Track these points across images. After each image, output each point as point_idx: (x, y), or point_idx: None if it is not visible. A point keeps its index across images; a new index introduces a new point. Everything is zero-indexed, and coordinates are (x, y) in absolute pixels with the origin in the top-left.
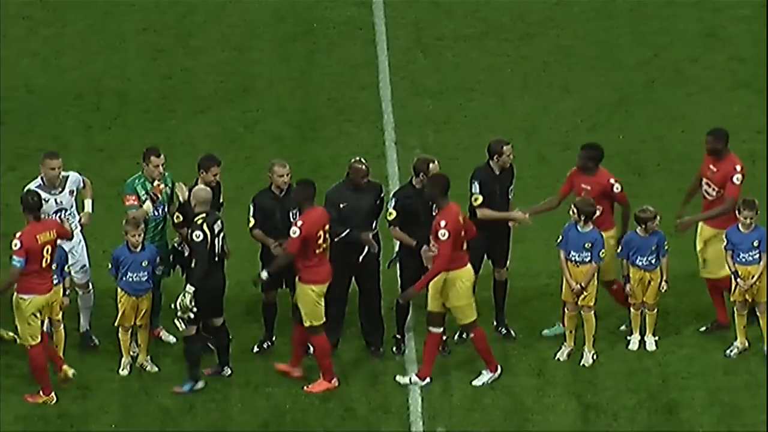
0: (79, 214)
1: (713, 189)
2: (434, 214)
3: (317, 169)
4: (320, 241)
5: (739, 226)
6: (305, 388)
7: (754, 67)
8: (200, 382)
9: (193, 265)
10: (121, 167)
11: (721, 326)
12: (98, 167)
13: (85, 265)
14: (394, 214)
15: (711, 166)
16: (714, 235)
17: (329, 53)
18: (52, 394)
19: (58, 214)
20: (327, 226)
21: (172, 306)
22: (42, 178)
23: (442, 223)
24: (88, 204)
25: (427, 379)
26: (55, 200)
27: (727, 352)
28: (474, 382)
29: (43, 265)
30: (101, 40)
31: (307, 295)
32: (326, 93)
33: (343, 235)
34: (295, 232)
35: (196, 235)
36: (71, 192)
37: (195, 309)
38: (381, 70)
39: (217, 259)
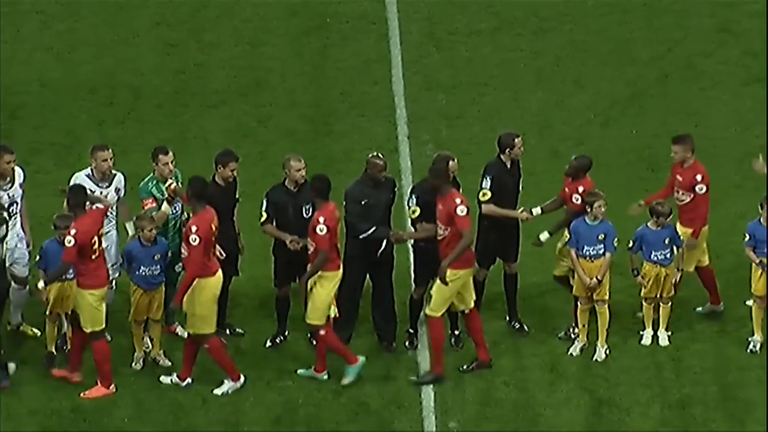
0: (117, 216)
1: (442, 228)
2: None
3: (330, 163)
4: (95, 246)
5: (761, 220)
6: (82, 394)
7: None
8: None
9: None
10: (135, 162)
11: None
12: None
13: (115, 264)
14: (418, 211)
15: (439, 206)
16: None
17: (342, 48)
18: None
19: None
20: (100, 230)
21: None
22: (92, 170)
23: (194, 228)
24: (130, 227)
25: (188, 380)
26: (101, 194)
27: (751, 347)
28: (216, 391)
29: None
30: (114, 34)
31: (86, 300)
32: (339, 88)
33: (370, 232)
34: (70, 241)
35: None
36: (117, 190)
37: None
38: (394, 64)
39: None
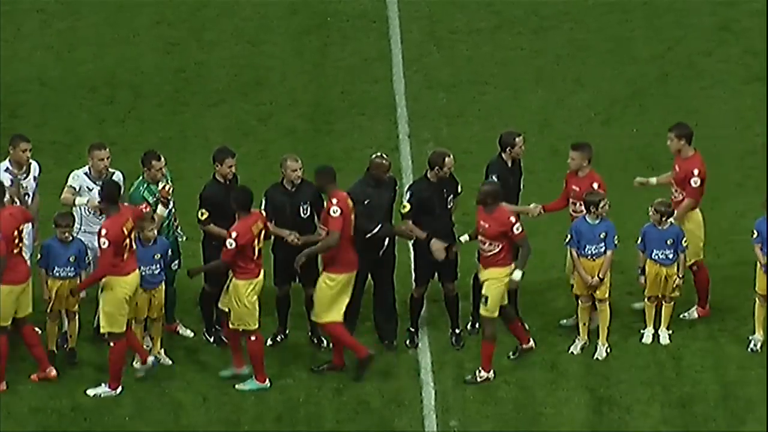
0: None
1: (322, 228)
2: (449, 207)
3: (331, 162)
4: (17, 240)
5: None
6: None
7: None
8: None
9: None
10: (135, 161)
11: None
12: (112, 161)
13: None
14: (408, 207)
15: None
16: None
17: (343, 46)
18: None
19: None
20: (20, 225)
21: None
22: (90, 168)
23: (103, 232)
24: None
25: (120, 389)
26: (99, 192)
27: (751, 346)
28: (89, 391)
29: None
30: (115, 33)
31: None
32: (340, 86)
33: (375, 231)
34: None
35: None
36: None
37: None
38: (394, 63)
39: None
